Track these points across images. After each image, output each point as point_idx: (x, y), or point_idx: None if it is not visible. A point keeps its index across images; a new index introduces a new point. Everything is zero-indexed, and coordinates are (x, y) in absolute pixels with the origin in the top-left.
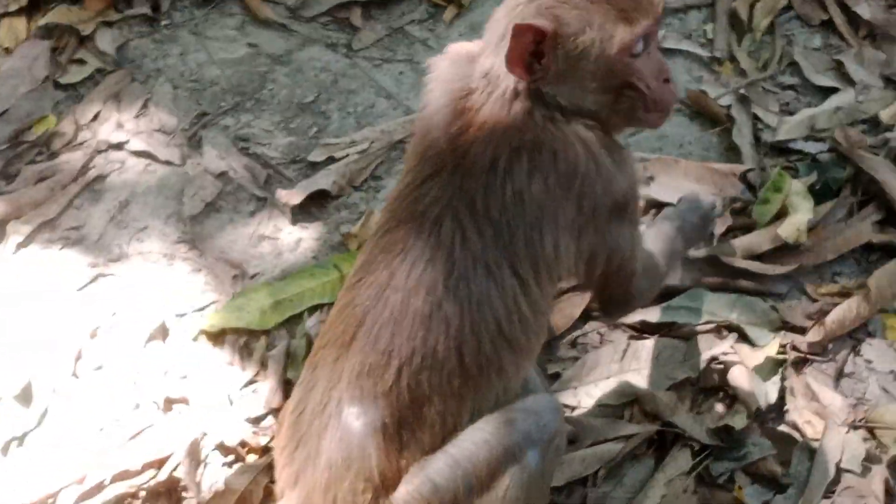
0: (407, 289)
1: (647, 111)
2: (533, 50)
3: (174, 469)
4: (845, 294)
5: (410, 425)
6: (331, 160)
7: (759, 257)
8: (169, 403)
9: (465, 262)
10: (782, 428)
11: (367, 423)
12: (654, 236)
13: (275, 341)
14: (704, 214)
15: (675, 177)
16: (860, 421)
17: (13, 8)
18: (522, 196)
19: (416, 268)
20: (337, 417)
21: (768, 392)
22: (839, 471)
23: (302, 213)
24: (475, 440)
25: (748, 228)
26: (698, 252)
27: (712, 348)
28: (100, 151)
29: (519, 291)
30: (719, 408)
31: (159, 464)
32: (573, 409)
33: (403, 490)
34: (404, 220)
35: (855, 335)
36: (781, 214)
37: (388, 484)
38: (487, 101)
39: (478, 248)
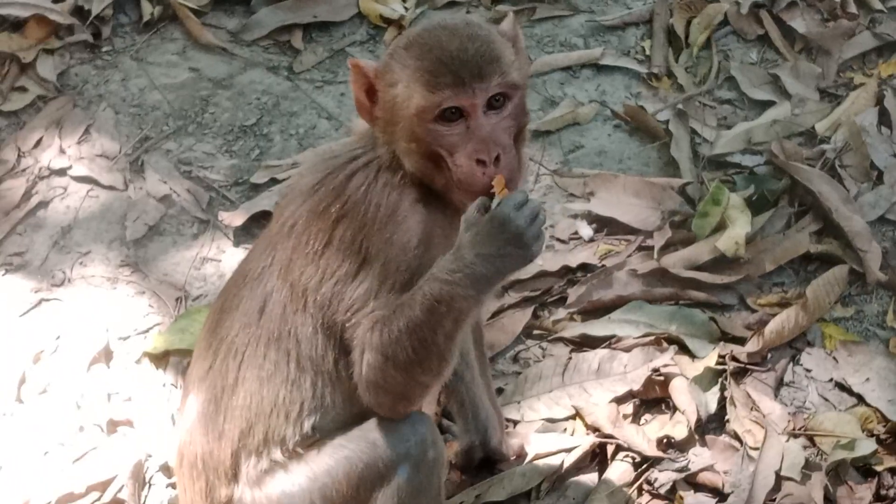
0: None
1: (457, 188)
2: (371, 94)
3: (119, 491)
4: (784, 304)
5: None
6: (273, 182)
7: (699, 269)
8: (113, 426)
9: None
10: (723, 437)
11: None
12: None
13: None
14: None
15: (614, 192)
16: (800, 429)
17: None
18: None
19: None
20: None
21: (708, 402)
22: (779, 479)
23: (245, 234)
24: (335, 456)
25: (688, 241)
26: (642, 265)
27: (652, 360)
28: (42, 177)
29: None
30: (661, 419)
31: (103, 486)
32: (516, 423)
33: (257, 493)
34: None
35: (794, 344)
36: (720, 227)
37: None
38: None
39: None
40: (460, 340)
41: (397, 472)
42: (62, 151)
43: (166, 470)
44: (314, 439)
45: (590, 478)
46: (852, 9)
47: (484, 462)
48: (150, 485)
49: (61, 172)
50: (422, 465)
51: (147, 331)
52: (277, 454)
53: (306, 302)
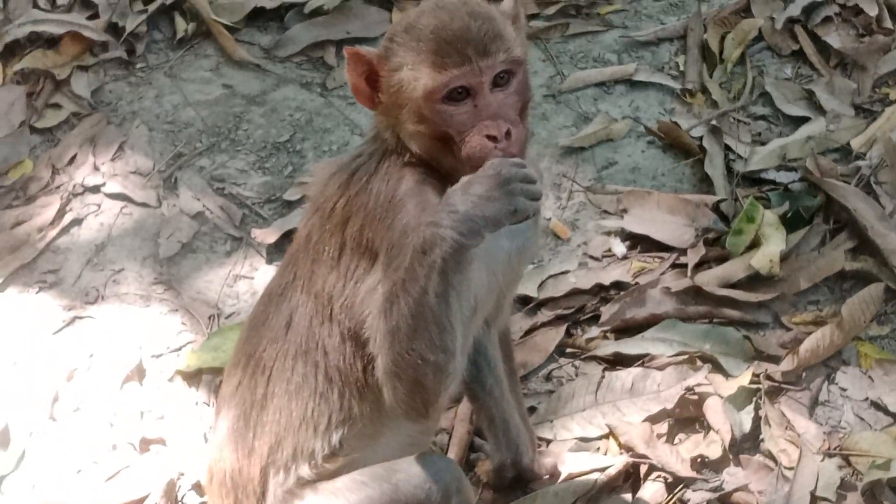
0: None
1: (463, 164)
2: (372, 80)
3: None
4: (819, 322)
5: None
6: (305, 198)
7: (733, 287)
8: (146, 444)
9: None
10: (757, 457)
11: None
12: None
13: None
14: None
15: (648, 209)
16: (835, 449)
17: None
18: None
19: None
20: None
21: (743, 422)
22: (814, 499)
23: (277, 251)
24: (359, 494)
25: (722, 259)
26: (676, 283)
27: (686, 379)
28: (76, 195)
29: None
30: (694, 438)
31: None
32: (549, 442)
33: None
34: None
35: (829, 363)
36: (754, 244)
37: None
38: None
39: None
40: (457, 309)
41: None
42: (96, 168)
43: (198, 488)
44: (341, 457)
45: (623, 498)
46: (888, 24)
47: (516, 481)
48: (182, 503)
49: (95, 189)
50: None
51: (180, 349)
52: (305, 469)
53: (332, 311)
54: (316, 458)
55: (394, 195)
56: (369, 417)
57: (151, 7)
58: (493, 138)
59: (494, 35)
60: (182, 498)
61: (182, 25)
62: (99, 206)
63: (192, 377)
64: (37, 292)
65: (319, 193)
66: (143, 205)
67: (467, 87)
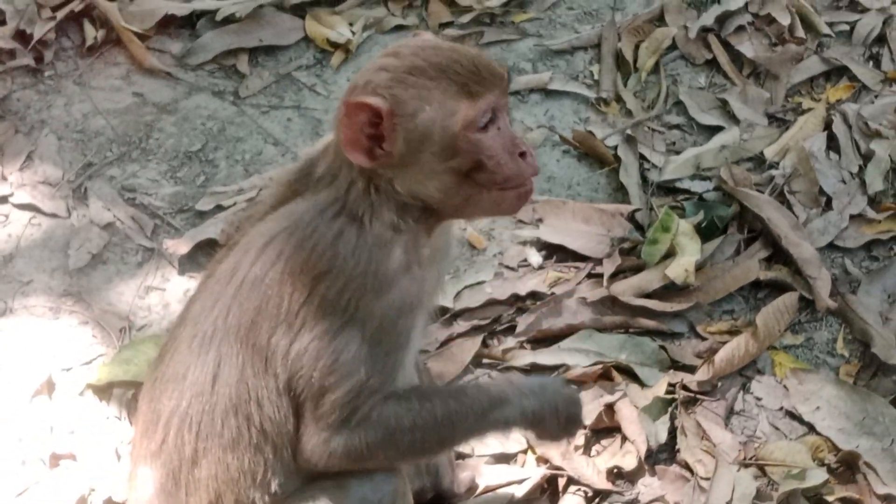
0: None
1: (502, 190)
2: (372, 133)
3: None
4: (734, 332)
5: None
6: (219, 208)
7: (649, 297)
8: (56, 459)
9: None
10: (674, 468)
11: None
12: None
13: None
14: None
15: (563, 218)
16: (751, 458)
17: None
18: None
19: None
20: None
21: (658, 432)
22: None
23: (190, 262)
24: None
25: (637, 269)
26: (592, 293)
27: (604, 396)
28: None
29: None
30: (611, 449)
31: None
32: (467, 456)
33: None
34: None
35: (744, 373)
36: (670, 254)
37: None
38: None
39: None
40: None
41: None
42: (3, 178)
43: None
44: (282, 498)
45: None
46: (800, 33)
47: (435, 500)
48: None
49: (3, 200)
50: None
51: (90, 362)
52: None
53: (272, 363)
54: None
55: (387, 270)
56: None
57: (60, 14)
58: (523, 154)
59: (493, 61)
60: None
61: (91, 33)
62: (7, 216)
63: (103, 391)
64: None
65: (279, 238)
66: (53, 215)
67: (493, 112)
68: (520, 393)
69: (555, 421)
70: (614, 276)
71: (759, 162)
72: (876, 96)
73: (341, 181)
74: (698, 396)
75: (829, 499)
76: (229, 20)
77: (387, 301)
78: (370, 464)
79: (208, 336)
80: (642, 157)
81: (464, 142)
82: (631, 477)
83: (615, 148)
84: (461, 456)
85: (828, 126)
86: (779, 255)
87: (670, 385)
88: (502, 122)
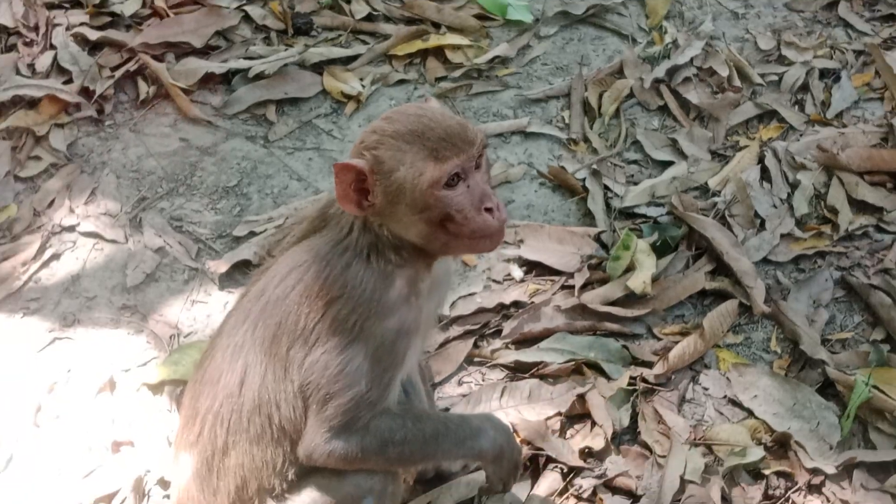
0: None
1: (471, 239)
2: (360, 187)
3: (122, 502)
4: (685, 333)
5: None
6: (252, 234)
7: (613, 304)
8: (117, 446)
9: None
10: (635, 447)
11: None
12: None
13: None
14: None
15: (541, 239)
16: (700, 439)
17: None
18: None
19: None
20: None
21: (622, 417)
22: (683, 482)
23: (228, 279)
24: (312, 495)
25: (603, 281)
26: (565, 302)
27: (576, 388)
28: (55, 233)
29: None
30: (583, 432)
31: (109, 498)
32: None
33: None
34: None
35: (693, 367)
36: (630, 268)
37: None
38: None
39: None
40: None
41: (363, 502)
42: (72, 211)
43: (163, 483)
44: (298, 481)
45: (524, 486)
46: (737, 83)
47: (436, 478)
48: (148, 496)
49: (71, 229)
50: (383, 496)
51: (145, 364)
52: (269, 501)
53: (290, 371)
54: (276, 490)
55: (388, 298)
56: None
57: (118, 73)
58: (489, 210)
59: (469, 126)
60: (149, 492)
61: (144, 88)
62: (74, 242)
63: (156, 388)
64: (21, 317)
65: (301, 267)
66: (113, 241)
67: (460, 173)
68: (494, 428)
69: (511, 461)
70: (584, 287)
71: (703, 191)
72: (801, 135)
73: (346, 223)
74: (655, 387)
75: (766, 472)
76: (259, 76)
77: (387, 325)
78: (360, 466)
79: (238, 346)
80: (606, 188)
81: (431, 198)
82: (600, 455)
83: (584, 180)
84: None
85: (761, 160)
86: (721, 268)
87: (632, 378)
88: (472, 180)
